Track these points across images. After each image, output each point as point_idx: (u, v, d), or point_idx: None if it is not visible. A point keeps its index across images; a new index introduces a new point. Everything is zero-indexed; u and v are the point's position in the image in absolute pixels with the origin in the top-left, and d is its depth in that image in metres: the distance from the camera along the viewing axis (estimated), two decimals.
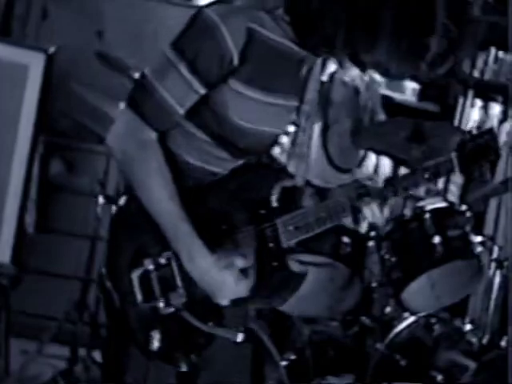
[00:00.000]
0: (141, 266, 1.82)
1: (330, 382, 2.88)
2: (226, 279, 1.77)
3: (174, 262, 1.82)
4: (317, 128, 2.78)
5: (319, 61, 1.89)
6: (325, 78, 1.95)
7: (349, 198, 1.91)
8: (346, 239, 2.60)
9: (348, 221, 1.94)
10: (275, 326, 2.82)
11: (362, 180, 2.01)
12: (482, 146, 1.94)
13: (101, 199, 3.31)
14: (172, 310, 1.81)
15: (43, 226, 3.34)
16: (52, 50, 2.67)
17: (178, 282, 1.81)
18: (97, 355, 3.37)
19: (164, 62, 1.76)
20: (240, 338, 1.81)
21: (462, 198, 3.88)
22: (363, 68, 1.81)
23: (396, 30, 1.66)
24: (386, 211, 1.92)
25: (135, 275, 1.81)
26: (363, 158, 2.94)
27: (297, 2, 1.75)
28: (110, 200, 3.28)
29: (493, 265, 2.91)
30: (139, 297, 1.82)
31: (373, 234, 2.74)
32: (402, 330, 2.90)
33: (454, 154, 1.92)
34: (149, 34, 3.61)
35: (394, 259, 2.74)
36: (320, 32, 1.72)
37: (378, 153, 2.74)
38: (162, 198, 1.76)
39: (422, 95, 4.30)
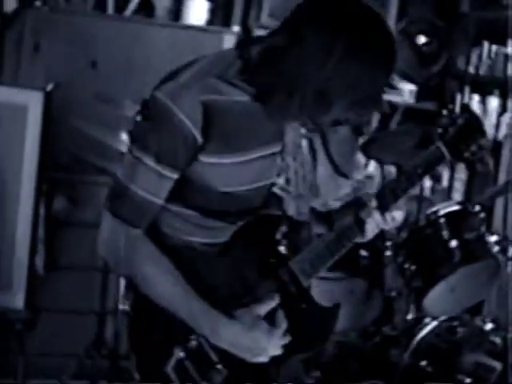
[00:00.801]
0: (171, 356, 1.76)
1: None
2: (256, 337, 1.73)
3: (203, 340, 1.76)
4: (318, 143, 2.78)
5: None
6: None
7: (353, 217, 1.88)
8: (363, 252, 2.59)
9: (358, 239, 1.91)
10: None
11: (362, 188, 1.98)
12: (464, 125, 1.90)
13: None
14: None
15: (53, 264, 3.31)
16: (50, 87, 2.65)
17: (214, 358, 1.76)
18: None
19: (131, 160, 1.72)
20: None
21: (469, 198, 3.87)
22: (320, 128, 1.77)
23: (350, 87, 1.61)
24: (391, 217, 1.89)
25: (170, 368, 1.76)
26: (366, 164, 2.93)
27: (248, 73, 1.71)
28: None
29: (509, 263, 2.87)
30: None
31: (389, 243, 2.72)
32: (424, 336, 2.89)
33: (439, 142, 1.89)
34: (139, 58, 3.57)
35: (413, 268, 2.74)
36: (273, 102, 1.68)
37: (387, 163, 2.73)
38: (165, 286, 1.73)
39: (419, 96, 4.29)
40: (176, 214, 1.82)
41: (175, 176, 1.73)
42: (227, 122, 1.72)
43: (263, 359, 1.75)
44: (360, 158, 2.98)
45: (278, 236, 1.83)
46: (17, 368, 2.95)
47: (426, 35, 4.15)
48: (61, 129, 3.10)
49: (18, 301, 2.73)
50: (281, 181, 1.86)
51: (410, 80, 4.05)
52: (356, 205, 1.91)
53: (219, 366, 1.76)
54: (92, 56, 3.49)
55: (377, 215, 1.88)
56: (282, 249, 1.83)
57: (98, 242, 1.77)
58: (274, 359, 1.76)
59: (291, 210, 1.87)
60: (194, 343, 1.76)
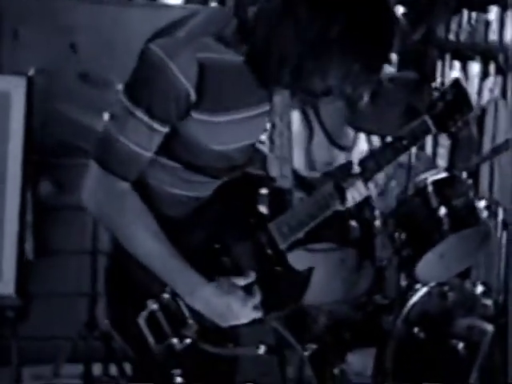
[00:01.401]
0: (145, 308, 1.78)
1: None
2: (230, 304, 1.74)
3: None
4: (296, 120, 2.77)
5: None
6: None
7: (334, 184, 1.89)
8: (353, 223, 2.59)
9: (338, 206, 1.92)
10: (291, 319, 2.81)
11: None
12: (452, 100, 1.92)
13: None
14: (187, 343, 1.78)
15: (42, 249, 3.30)
16: (31, 72, 2.63)
17: (186, 313, 1.78)
18: (112, 369, 3.34)
19: (121, 111, 1.71)
20: (262, 350, 1.79)
21: (453, 164, 3.88)
22: (315, 96, 1.73)
23: (347, 52, 1.59)
24: (374, 186, 1.90)
25: (141, 319, 1.77)
26: (356, 136, 2.93)
27: (243, 33, 1.70)
28: None
29: (499, 227, 2.90)
30: (151, 340, 1.77)
31: (378, 213, 2.72)
32: (416, 303, 2.89)
33: (426, 116, 1.90)
34: (120, 40, 3.55)
35: (403, 236, 2.74)
36: (265, 68, 1.67)
37: (371, 133, 2.73)
38: (146, 242, 1.73)
39: (400, 65, 4.28)
40: (162, 165, 1.80)
41: (166, 130, 1.72)
42: (221, 80, 1.71)
43: (233, 324, 1.76)
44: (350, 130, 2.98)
45: (260, 196, 1.83)
46: (10, 354, 2.95)
47: (405, 5, 4.14)
48: (45, 113, 3.09)
49: (9, 288, 2.73)
50: (264, 137, 1.87)
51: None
52: (339, 172, 1.92)
53: (190, 321, 1.77)
54: (71, 39, 3.46)
55: (359, 183, 1.90)
56: (262, 210, 1.83)
57: (83, 192, 1.75)
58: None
59: (274, 171, 1.87)
60: (167, 296, 1.77)
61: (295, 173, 1.96)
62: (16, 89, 2.62)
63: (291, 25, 1.58)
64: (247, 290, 1.77)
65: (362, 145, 3.00)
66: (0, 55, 3.39)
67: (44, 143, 3.33)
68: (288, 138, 1.90)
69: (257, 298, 1.77)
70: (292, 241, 1.86)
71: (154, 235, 1.73)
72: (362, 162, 1.91)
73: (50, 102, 3.12)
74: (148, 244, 1.72)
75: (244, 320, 1.77)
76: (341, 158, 2.21)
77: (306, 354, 2.73)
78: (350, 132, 2.92)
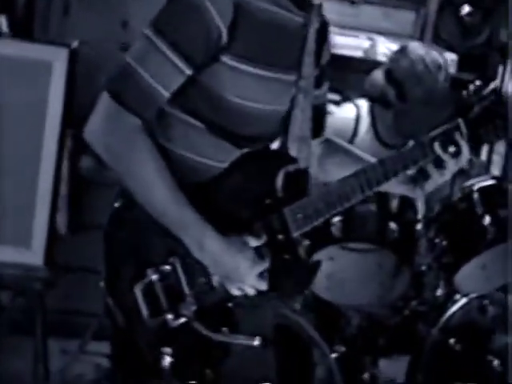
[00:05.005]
0: (143, 277, 1.67)
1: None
2: (239, 263, 1.64)
3: (179, 266, 1.68)
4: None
5: (313, 32, 1.76)
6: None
7: (357, 179, 1.78)
8: (392, 225, 2.51)
9: (359, 198, 1.81)
10: (322, 318, 2.75)
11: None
12: (488, 108, 1.81)
13: None
14: (182, 321, 1.67)
15: (76, 223, 3.27)
16: (75, 44, 2.60)
17: (186, 289, 1.68)
18: None
19: (144, 43, 1.60)
20: (257, 341, 1.67)
21: (506, 173, 3.77)
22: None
23: None
24: (419, 188, 1.82)
25: (138, 288, 1.66)
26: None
27: None
28: None
29: None
30: (145, 312, 1.67)
31: (420, 217, 2.66)
32: (454, 313, 2.83)
33: (460, 119, 1.80)
34: None
35: (444, 243, 2.68)
36: None
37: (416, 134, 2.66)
38: (159, 187, 1.61)
39: (460, 66, 4.18)
40: (180, 122, 1.70)
41: (188, 72, 1.61)
42: (255, 29, 1.64)
43: (236, 290, 1.67)
44: None
45: (279, 176, 1.73)
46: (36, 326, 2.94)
47: (471, 5, 4.04)
48: (89, 87, 3.06)
49: (38, 258, 2.71)
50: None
51: (452, 49, 3.95)
52: (363, 172, 1.80)
53: (190, 299, 1.67)
54: (123, 16, 3.43)
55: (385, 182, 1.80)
56: (279, 190, 1.73)
57: (88, 126, 1.62)
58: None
59: (293, 150, 1.78)
60: (168, 268, 1.67)
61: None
62: (58, 59, 2.59)
63: None
64: (257, 252, 1.67)
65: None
66: (48, 29, 3.39)
67: (86, 117, 3.32)
68: (309, 117, 1.81)
69: (265, 263, 1.67)
70: (305, 229, 1.75)
71: (167, 182, 1.61)
72: (385, 160, 1.81)
73: (96, 76, 3.09)
74: (161, 190, 1.61)
75: (248, 283, 1.66)
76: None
77: (334, 355, 2.65)
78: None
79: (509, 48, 4.01)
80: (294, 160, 1.78)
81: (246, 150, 1.74)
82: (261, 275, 1.67)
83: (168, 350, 1.66)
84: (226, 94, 1.65)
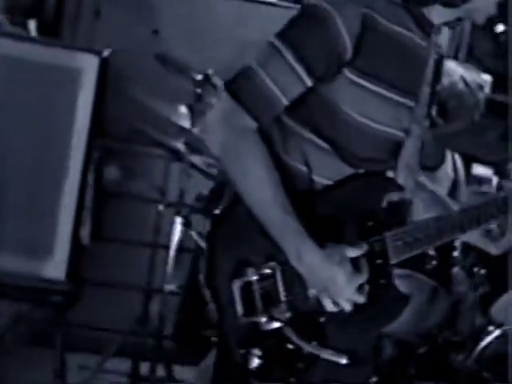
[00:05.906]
0: (243, 275, 1.69)
1: None
2: (336, 276, 1.64)
3: (278, 273, 1.69)
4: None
5: (432, 60, 1.78)
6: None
7: (463, 215, 1.79)
8: (431, 252, 2.44)
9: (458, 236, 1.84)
10: None
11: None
12: None
13: (160, 206, 3.20)
14: (274, 326, 1.68)
15: (99, 235, 3.21)
16: (106, 52, 2.55)
17: (282, 296, 1.69)
18: (160, 369, 3.23)
19: (269, 49, 1.66)
20: (345, 360, 1.67)
21: None
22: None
23: None
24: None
25: (236, 285, 1.68)
26: (443, 157, 2.77)
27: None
28: (171, 206, 3.18)
29: None
30: (240, 310, 1.68)
31: (458, 244, 2.60)
32: (488, 345, 2.77)
33: None
34: (208, 31, 3.47)
35: (482, 272, 2.65)
36: None
37: (464, 154, 2.59)
38: (267, 191, 1.64)
39: (494, 87, 4.09)
40: (303, 139, 1.72)
41: (309, 83, 1.65)
42: (380, 47, 1.67)
43: (331, 306, 1.66)
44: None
45: (384, 200, 1.73)
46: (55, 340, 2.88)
47: (505, 24, 3.96)
48: (118, 96, 3.02)
49: (60, 272, 2.66)
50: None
51: (486, 70, 3.86)
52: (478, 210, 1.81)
53: (284, 306, 1.69)
54: (154, 25, 3.43)
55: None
56: (381, 214, 1.72)
57: (203, 123, 1.71)
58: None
59: (400, 178, 1.78)
60: (268, 272, 1.69)
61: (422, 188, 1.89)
62: (88, 66, 2.56)
63: None
64: (355, 263, 1.67)
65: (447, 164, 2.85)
66: (78, 34, 3.36)
67: (115, 127, 3.28)
68: (419, 148, 1.80)
69: (364, 276, 1.66)
70: (403, 258, 1.75)
71: (276, 186, 1.65)
72: (465, 210, 1.81)
73: (125, 86, 3.05)
74: (269, 194, 1.64)
75: (345, 296, 1.65)
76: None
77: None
78: (439, 153, 2.76)
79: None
80: (400, 188, 1.78)
81: (355, 171, 1.76)
82: (359, 288, 1.66)
83: (257, 351, 1.68)
84: (345, 107, 1.68)
